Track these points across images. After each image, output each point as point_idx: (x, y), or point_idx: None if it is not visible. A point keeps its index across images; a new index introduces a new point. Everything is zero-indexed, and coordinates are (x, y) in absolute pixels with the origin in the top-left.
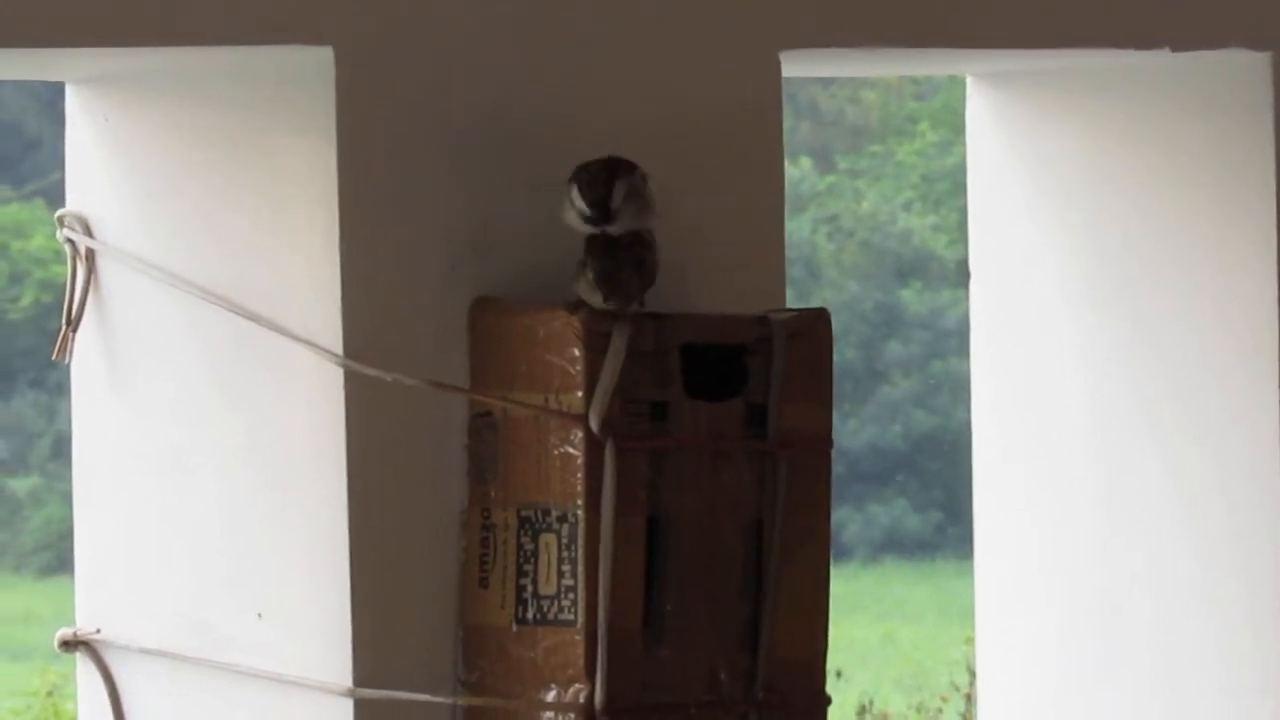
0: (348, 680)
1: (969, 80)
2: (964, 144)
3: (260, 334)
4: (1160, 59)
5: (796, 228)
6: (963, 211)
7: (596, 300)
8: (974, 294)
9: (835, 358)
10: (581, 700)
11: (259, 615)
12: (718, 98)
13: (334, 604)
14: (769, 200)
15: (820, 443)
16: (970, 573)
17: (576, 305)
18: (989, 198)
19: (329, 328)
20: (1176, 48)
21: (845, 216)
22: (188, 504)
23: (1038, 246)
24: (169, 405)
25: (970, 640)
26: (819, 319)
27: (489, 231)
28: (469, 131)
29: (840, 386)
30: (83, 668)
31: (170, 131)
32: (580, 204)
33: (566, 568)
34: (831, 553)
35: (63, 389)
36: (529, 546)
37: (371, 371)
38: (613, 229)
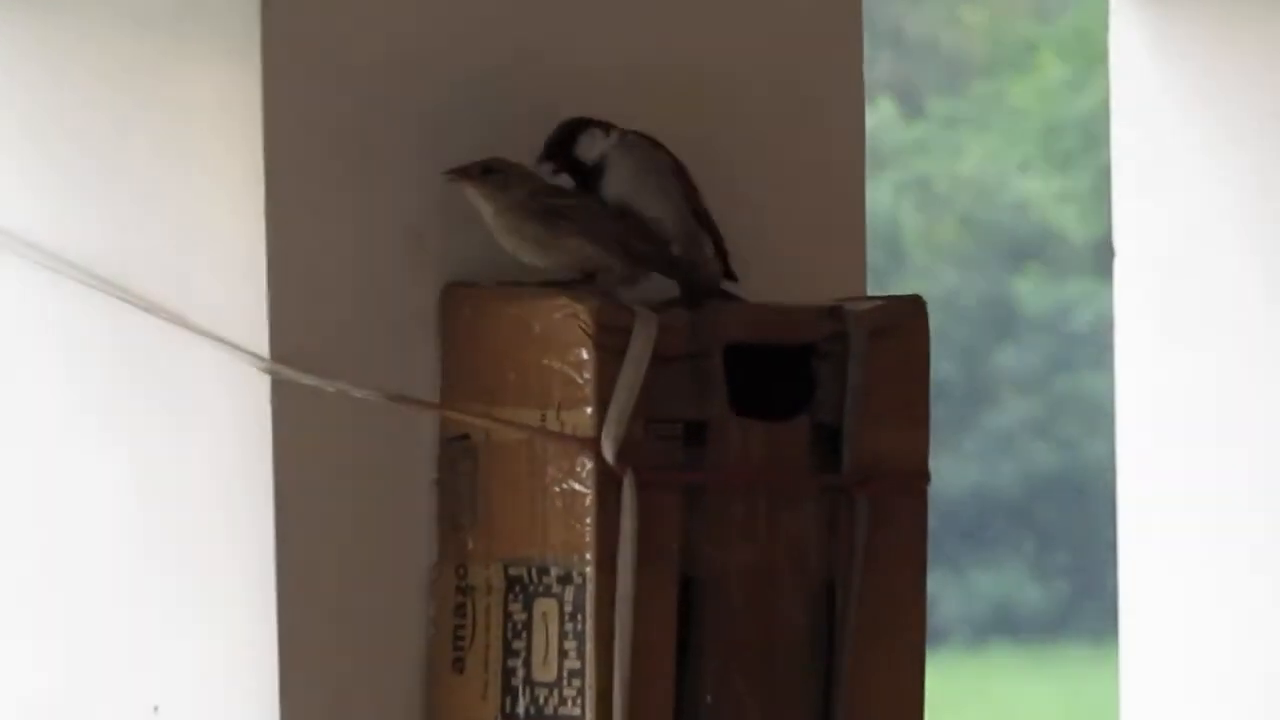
0: None
1: None
2: (1103, 81)
3: (158, 330)
4: None
5: (874, 194)
6: (1100, 173)
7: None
8: (1119, 284)
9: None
10: None
11: (155, 709)
12: (774, 20)
13: (255, 695)
14: (845, 156)
15: (913, 478)
16: (1110, 661)
17: (580, 283)
18: (1139, 153)
19: (251, 321)
20: None
21: (939, 179)
22: (59, 564)
23: (1206, 218)
24: (34, 431)
25: None
26: (912, 310)
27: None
28: (441, 60)
29: (933, 409)
30: None
31: (43, 61)
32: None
33: (571, 645)
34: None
35: None
36: (520, 616)
37: (308, 380)
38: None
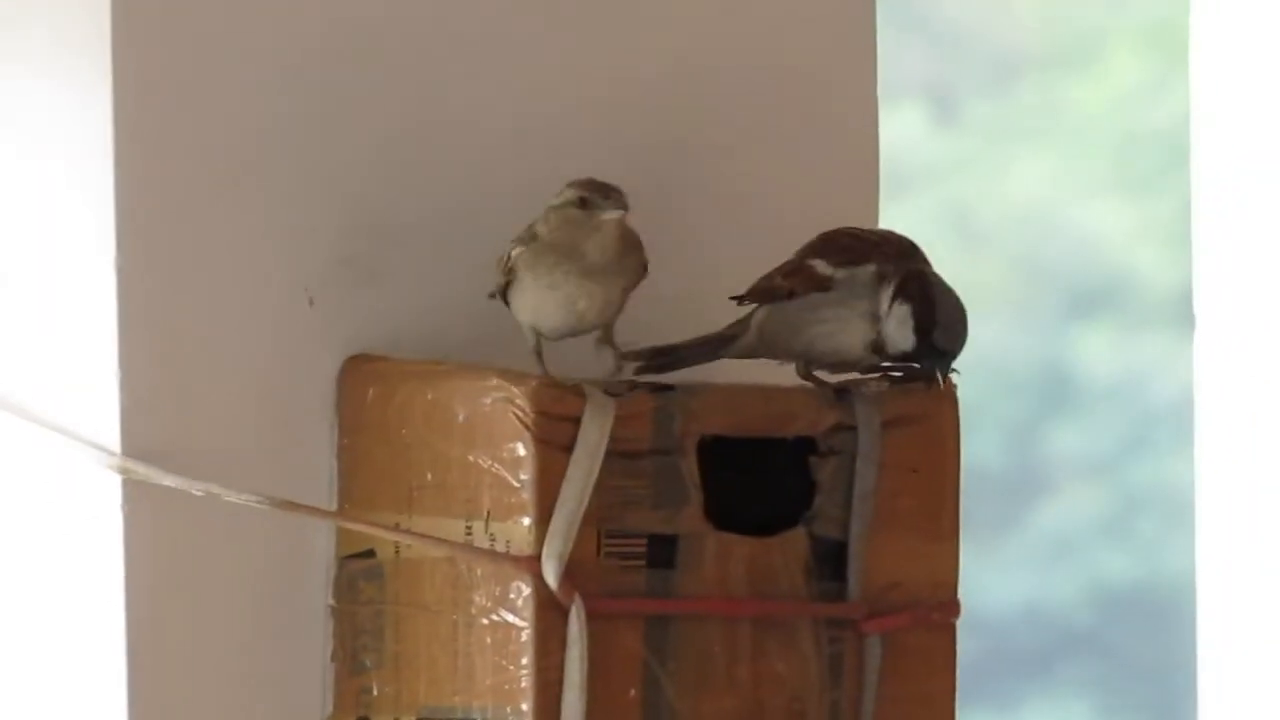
0: None
1: None
2: (1187, 82)
3: None
4: None
5: (897, 224)
6: (1189, 203)
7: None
8: (1200, 353)
9: (964, 456)
10: None
11: None
12: (768, 11)
13: None
14: (854, 178)
15: (938, 608)
16: None
17: (547, 371)
18: (1227, 181)
19: (97, 406)
20: None
21: (980, 207)
22: None
23: None
24: None
25: None
26: (938, 394)
27: (372, 241)
28: (341, 59)
29: (964, 506)
30: None
31: None
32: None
33: None
34: None
35: None
36: None
37: (168, 480)
38: None
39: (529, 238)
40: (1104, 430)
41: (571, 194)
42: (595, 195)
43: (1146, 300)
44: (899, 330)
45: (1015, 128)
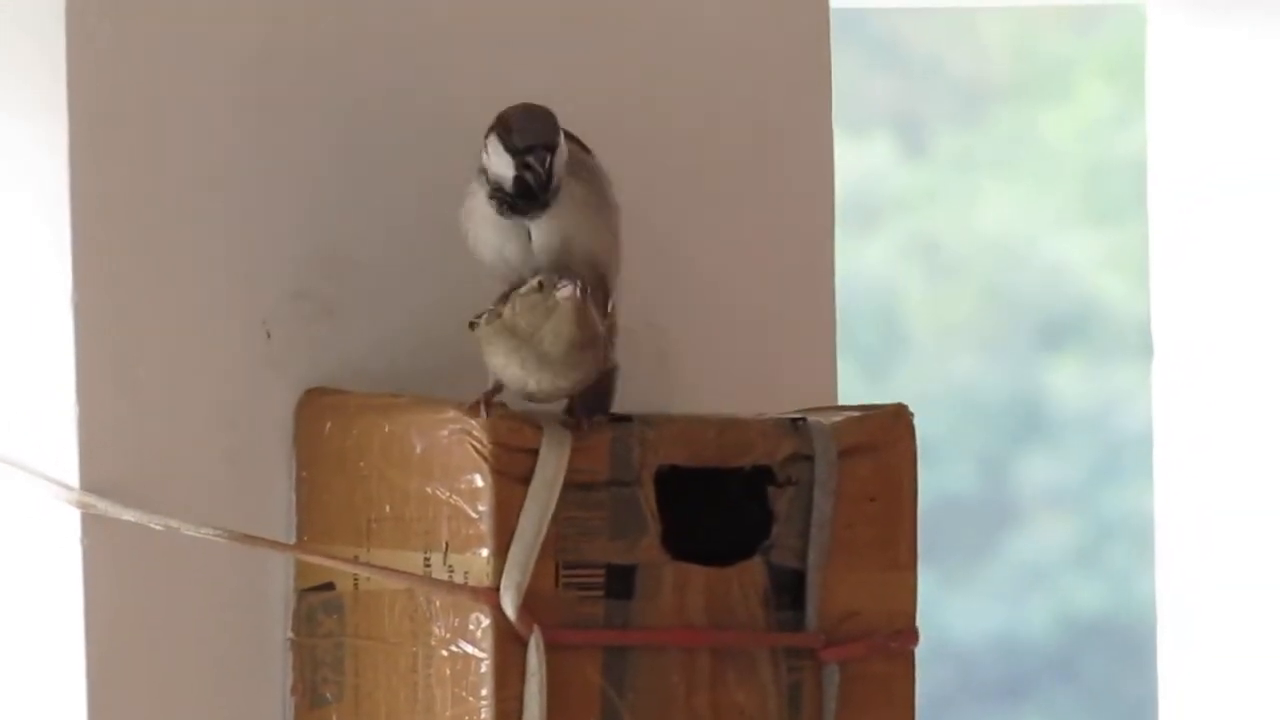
0: None
1: (1149, 5)
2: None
3: None
4: None
5: (867, 256)
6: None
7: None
8: (1158, 384)
9: (933, 484)
10: None
11: None
12: (721, 36)
13: None
14: (808, 211)
15: (896, 636)
16: None
17: (488, 398)
18: (1183, 212)
19: (55, 441)
20: None
21: (950, 238)
22: None
23: (1269, 300)
24: None
25: None
26: (895, 423)
27: (329, 273)
28: (297, 92)
29: (937, 536)
30: None
31: None
32: (500, 164)
33: None
34: None
35: None
36: None
37: (127, 515)
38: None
39: (494, 315)
40: (1074, 460)
41: (533, 280)
42: (550, 275)
43: (1115, 330)
44: (496, 161)
45: (984, 158)
